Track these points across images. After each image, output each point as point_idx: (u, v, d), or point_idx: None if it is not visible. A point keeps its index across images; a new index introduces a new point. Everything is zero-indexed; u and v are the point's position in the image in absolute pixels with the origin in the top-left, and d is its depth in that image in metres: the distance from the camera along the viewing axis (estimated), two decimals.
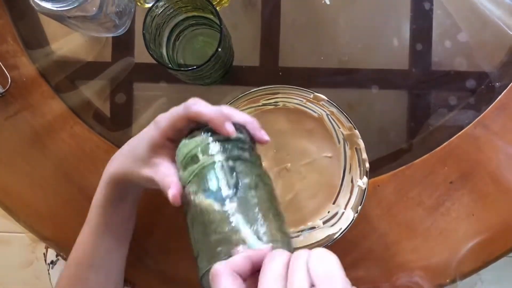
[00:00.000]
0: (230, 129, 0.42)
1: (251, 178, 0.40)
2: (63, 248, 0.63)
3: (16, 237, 1.34)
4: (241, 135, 0.43)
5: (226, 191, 0.39)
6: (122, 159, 0.50)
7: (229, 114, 0.43)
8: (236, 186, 0.39)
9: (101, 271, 0.54)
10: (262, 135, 0.45)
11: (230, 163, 0.41)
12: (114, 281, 0.55)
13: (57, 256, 0.74)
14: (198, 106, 0.43)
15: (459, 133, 0.60)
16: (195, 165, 0.41)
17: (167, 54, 0.56)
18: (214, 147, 0.41)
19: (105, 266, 0.54)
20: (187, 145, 0.42)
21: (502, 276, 1.21)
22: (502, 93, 0.60)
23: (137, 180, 0.48)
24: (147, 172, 0.46)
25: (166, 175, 0.43)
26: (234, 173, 0.40)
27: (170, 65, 0.52)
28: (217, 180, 0.39)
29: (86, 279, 0.53)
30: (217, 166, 0.40)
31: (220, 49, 0.48)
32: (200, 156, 0.41)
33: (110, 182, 0.51)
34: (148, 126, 0.47)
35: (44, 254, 0.77)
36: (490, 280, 1.21)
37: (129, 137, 0.61)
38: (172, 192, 0.41)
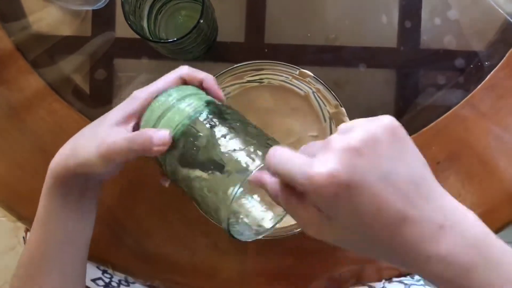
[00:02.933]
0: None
1: (231, 115, 0.43)
2: None
3: None
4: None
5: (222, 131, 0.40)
6: (74, 148, 0.46)
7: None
8: (227, 124, 0.41)
9: (54, 272, 0.48)
10: (218, 91, 0.46)
11: (211, 107, 0.43)
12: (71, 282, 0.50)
13: None
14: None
15: (447, 113, 0.59)
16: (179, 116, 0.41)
17: (148, 28, 0.54)
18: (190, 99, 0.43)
19: (57, 266, 0.49)
20: (164, 102, 0.43)
21: None
22: (491, 73, 0.59)
23: (98, 162, 0.44)
24: (119, 136, 0.43)
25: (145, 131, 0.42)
26: (218, 115, 0.42)
27: (150, 38, 0.50)
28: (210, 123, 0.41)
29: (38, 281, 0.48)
30: (204, 112, 0.42)
31: (202, 21, 0.47)
32: (181, 106, 0.42)
33: (57, 181, 0.47)
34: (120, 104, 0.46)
35: (23, 238, 0.75)
36: None
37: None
38: (163, 134, 0.41)
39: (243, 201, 0.45)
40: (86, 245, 0.51)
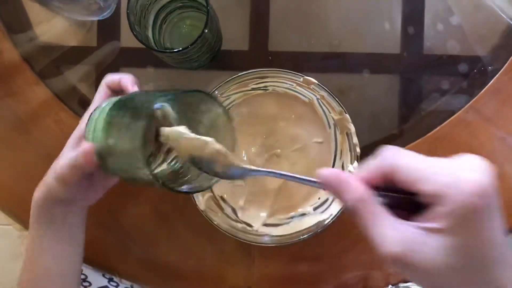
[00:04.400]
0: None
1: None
2: None
3: (4, 229, 1.32)
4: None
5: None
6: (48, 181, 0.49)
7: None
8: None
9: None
10: (131, 87, 0.48)
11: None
12: None
13: None
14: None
15: (451, 118, 0.59)
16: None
17: (153, 38, 0.55)
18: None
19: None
20: (92, 117, 0.46)
21: None
22: (495, 77, 0.59)
23: (57, 186, 0.48)
24: (66, 157, 0.47)
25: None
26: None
27: (155, 48, 0.51)
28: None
29: None
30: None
31: (206, 31, 0.47)
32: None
33: (40, 210, 0.50)
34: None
35: None
36: None
37: None
38: (85, 146, 0.44)
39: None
40: (77, 270, 0.53)
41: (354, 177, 0.32)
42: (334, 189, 0.32)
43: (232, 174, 0.39)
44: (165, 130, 0.40)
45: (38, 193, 0.50)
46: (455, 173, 0.28)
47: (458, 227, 0.28)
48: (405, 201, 0.31)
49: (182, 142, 0.39)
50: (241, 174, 0.39)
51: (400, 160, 0.31)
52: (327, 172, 0.33)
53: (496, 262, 0.29)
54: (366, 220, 0.31)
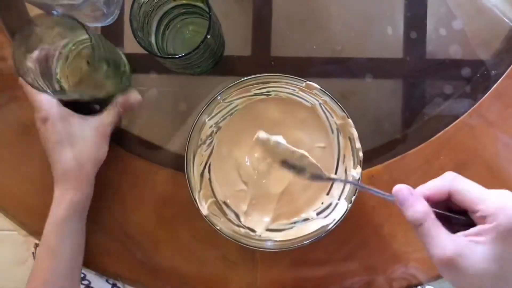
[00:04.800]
0: None
1: None
2: None
3: (9, 235, 1.33)
4: None
5: None
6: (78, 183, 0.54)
7: None
8: None
9: None
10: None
11: None
12: None
13: None
14: None
15: (455, 123, 0.59)
16: None
17: (156, 44, 0.55)
18: None
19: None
20: None
21: None
22: (498, 81, 0.59)
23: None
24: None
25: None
26: None
27: (158, 54, 0.51)
28: None
29: None
30: None
31: (209, 37, 0.47)
32: None
33: (73, 212, 0.54)
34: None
35: (33, 253, 0.76)
36: None
37: (118, 128, 0.61)
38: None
39: None
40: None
41: (419, 194, 0.41)
42: (402, 203, 0.40)
43: (315, 178, 0.52)
44: (264, 136, 0.54)
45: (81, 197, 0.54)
46: (505, 200, 0.37)
47: (501, 241, 0.36)
48: (449, 219, 0.39)
49: (280, 149, 0.53)
50: (320, 178, 0.51)
51: (462, 184, 0.39)
52: (397, 187, 0.41)
53: None
54: (428, 231, 0.38)
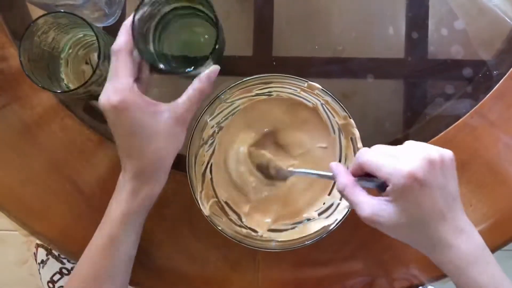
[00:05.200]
0: None
1: None
2: (54, 242, 0.62)
3: (11, 235, 1.33)
4: None
5: None
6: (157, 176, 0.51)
7: None
8: None
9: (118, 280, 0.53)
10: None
11: None
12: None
13: (47, 255, 0.73)
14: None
15: (456, 123, 0.59)
16: None
17: (154, 49, 0.54)
18: None
19: (121, 275, 0.53)
20: None
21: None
22: (500, 82, 0.59)
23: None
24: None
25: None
26: None
27: (161, 66, 0.50)
28: None
29: None
30: None
31: (217, 47, 0.47)
32: None
33: (146, 207, 0.51)
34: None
35: (34, 253, 0.76)
36: None
37: None
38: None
39: None
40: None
41: (344, 169, 0.48)
42: (334, 177, 0.48)
43: (280, 175, 0.56)
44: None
45: (155, 191, 0.51)
46: (395, 165, 0.43)
47: (399, 198, 0.43)
48: (377, 183, 0.46)
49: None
50: (285, 175, 0.56)
51: (364, 157, 0.46)
52: (331, 164, 0.49)
53: (434, 220, 0.44)
54: (350, 195, 0.46)
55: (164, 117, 0.48)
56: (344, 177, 0.47)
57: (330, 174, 0.49)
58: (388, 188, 0.44)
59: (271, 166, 0.57)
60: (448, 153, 0.45)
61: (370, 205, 0.44)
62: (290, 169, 0.56)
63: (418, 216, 0.44)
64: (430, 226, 0.44)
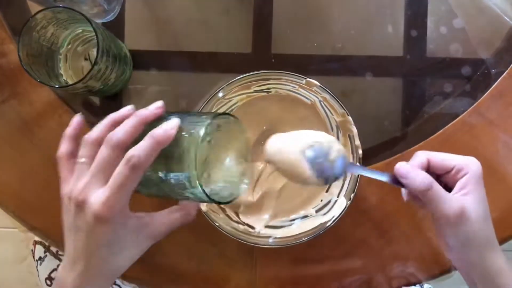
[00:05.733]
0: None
1: None
2: (52, 238, 0.62)
3: (9, 232, 1.33)
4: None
5: None
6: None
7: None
8: None
9: None
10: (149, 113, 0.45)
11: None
12: None
13: (45, 252, 0.73)
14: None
15: (454, 121, 0.59)
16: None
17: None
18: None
19: None
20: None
21: None
22: (498, 80, 0.59)
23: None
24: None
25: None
26: None
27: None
28: None
29: None
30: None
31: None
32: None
33: None
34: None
35: (32, 250, 0.76)
36: None
37: None
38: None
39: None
40: None
41: (417, 167, 0.46)
42: (406, 176, 0.45)
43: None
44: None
45: None
46: (464, 156, 0.46)
47: (478, 185, 0.44)
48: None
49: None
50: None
51: (434, 153, 0.47)
52: (398, 165, 0.46)
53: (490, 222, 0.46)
54: (438, 193, 0.44)
55: (142, 233, 0.46)
56: (425, 174, 0.45)
57: (386, 177, 0.47)
58: (462, 180, 0.44)
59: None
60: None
61: (456, 199, 0.44)
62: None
63: (484, 202, 0.45)
64: (489, 226, 0.46)
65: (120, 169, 0.41)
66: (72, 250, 0.45)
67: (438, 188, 0.44)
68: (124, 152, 0.41)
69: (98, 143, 0.43)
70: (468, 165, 0.45)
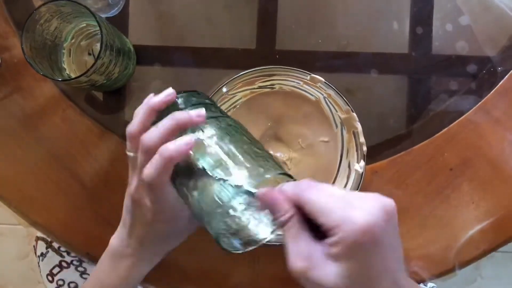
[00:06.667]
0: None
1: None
2: (54, 233, 0.62)
3: (12, 228, 1.33)
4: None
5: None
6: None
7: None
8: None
9: None
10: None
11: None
12: None
13: (46, 248, 0.73)
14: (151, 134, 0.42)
15: (460, 119, 0.58)
16: None
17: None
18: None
19: None
20: None
21: (502, 272, 1.20)
22: (504, 78, 0.58)
23: None
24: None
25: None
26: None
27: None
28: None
29: None
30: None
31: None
32: None
33: None
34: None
35: (34, 246, 0.76)
36: (489, 276, 1.20)
37: (121, 121, 0.60)
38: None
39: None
40: None
41: (283, 197, 0.37)
42: (269, 206, 0.38)
43: None
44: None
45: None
46: (348, 211, 0.34)
47: (349, 256, 0.34)
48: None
49: None
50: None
51: (309, 194, 0.36)
52: (261, 192, 0.38)
53: (382, 285, 0.35)
54: (290, 234, 0.37)
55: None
56: (290, 209, 0.37)
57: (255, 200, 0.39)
58: (332, 240, 0.35)
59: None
60: (393, 203, 0.37)
61: (309, 253, 0.36)
62: None
63: (365, 280, 0.35)
64: None
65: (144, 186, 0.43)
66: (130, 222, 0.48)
67: (290, 232, 0.37)
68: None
69: (138, 136, 0.43)
70: (339, 227, 0.34)
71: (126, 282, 0.50)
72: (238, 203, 0.41)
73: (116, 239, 0.50)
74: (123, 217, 0.49)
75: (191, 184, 0.40)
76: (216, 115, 0.44)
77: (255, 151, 0.42)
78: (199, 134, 0.41)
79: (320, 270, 0.35)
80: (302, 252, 0.36)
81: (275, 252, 0.59)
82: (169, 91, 0.44)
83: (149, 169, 0.41)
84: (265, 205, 0.38)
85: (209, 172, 0.39)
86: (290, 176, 0.41)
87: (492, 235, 0.58)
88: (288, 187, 0.38)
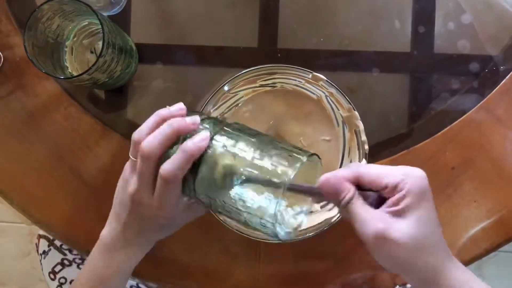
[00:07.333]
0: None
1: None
2: (56, 230, 0.62)
3: (13, 226, 1.33)
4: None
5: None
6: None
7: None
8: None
9: None
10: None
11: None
12: None
13: (48, 246, 0.73)
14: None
15: (462, 118, 0.58)
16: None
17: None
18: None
19: None
20: None
21: (504, 272, 1.20)
22: (507, 77, 0.58)
23: None
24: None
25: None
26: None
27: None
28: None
29: None
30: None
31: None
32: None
33: None
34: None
35: (36, 244, 0.76)
36: (491, 275, 1.20)
37: (123, 119, 0.61)
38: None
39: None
40: None
41: (343, 179, 0.41)
42: (334, 190, 0.41)
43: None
44: None
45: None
46: (405, 169, 0.40)
47: (417, 205, 0.38)
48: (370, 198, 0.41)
49: None
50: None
51: (365, 168, 0.41)
52: (325, 176, 0.41)
53: (440, 230, 0.41)
54: (357, 209, 0.40)
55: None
56: (349, 185, 0.41)
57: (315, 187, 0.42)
58: (400, 194, 0.38)
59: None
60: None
61: (381, 216, 0.39)
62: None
63: (435, 225, 0.40)
64: (441, 237, 0.40)
65: (158, 183, 0.44)
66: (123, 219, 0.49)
67: (357, 205, 0.40)
68: (158, 161, 0.44)
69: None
70: (404, 180, 0.39)
71: (120, 273, 0.51)
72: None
73: (108, 233, 0.50)
74: (116, 212, 0.50)
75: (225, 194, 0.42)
76: (222, 126, 0.45)
77: (275, 144, 0.43)
78: (218, 144, 0.43)
79: (395, 228, 0.38)
80: (375, 217, 0.39)
81: (277, 250, 0.59)
82: (181, 106, 0.46)
83: (169, 165, 0.42)
84: (330, 189, 0.41)
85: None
86: (316, 155, 0.44)
87: (494, 234, 0.58)
88: (341, 171, 0.41)
